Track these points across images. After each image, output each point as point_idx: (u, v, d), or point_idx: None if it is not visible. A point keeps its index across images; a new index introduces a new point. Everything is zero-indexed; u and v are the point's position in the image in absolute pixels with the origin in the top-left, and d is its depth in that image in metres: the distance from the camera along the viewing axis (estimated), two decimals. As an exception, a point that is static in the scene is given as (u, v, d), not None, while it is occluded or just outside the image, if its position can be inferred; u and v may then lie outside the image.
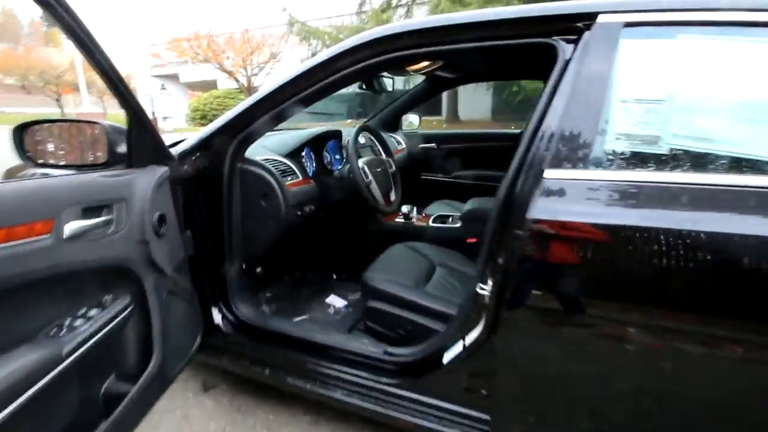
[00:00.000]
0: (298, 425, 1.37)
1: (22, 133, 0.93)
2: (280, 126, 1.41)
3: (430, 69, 1.78)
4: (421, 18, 1.04)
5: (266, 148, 1.52)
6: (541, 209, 0.84)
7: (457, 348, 1.08)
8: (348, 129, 2.08)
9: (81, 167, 0.97)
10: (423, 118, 2.73)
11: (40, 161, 0.96)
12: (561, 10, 0.94)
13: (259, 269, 1.59)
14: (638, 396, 0.87)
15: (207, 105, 14.73)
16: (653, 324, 0.80)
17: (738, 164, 0.77)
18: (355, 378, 1.21)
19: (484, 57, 1.67)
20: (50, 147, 0.96)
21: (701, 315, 0.77)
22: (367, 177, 1.61)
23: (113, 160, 0.96)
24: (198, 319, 1.23)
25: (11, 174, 1.29)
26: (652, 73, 0.86)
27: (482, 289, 1.00)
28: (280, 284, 1.83)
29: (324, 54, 1.10)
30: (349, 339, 1.32)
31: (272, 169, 1.35)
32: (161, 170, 1.03)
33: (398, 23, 1.05)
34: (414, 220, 1.90)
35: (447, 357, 1.10)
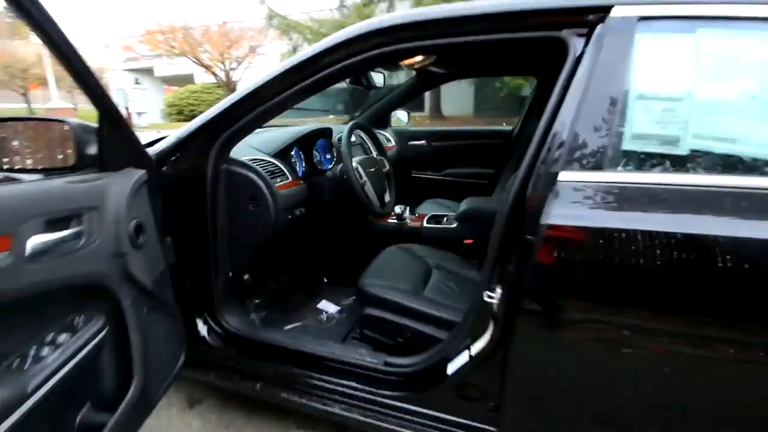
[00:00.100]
0: (291, 442, 1.30)
1: (-25, 133, 0.82)
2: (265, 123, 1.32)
3: (423, 64, 1.71)
4: (422, 9, 0.96)
5: (253, 148, 1.43)
6: (557, 214, 0.78)
7: (462, 358, 1.03)
8: (335, 126, 2.01)
9: (45, 171, 0.86)
10: (406, 114, 2.65)
11: (-3, 165, 0.85)
12: (571, 2, 0.89)
13: (246, 276, 1.49)
14: (665, 413, 0.83)
15: (183, 100, 14.30)
16: (685, 335, 0.76)
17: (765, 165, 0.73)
18: (354, 391, 1.14)
19: (484, 51, 1.62)
20: (8, 149, 0.85)
21: (735, 325, 0.73)
22: (361, 178, 1.53)
23: (82, 163, 0.86)
24: (182, 334, 1.13)
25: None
26: (670, 70, 0.81)
27: (490, 297, 0.95)
28: (268, 290, 1.74)
29: (318, 46, 1.02)
30: (346, 349, 1.24)
31: (260, 170, 1.26)
32: (138, 173, 0.93)
33: (398, 14, 0.97)
34: (407, 220, 1.84)
35: (452, 367, 1.04)
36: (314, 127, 1.63)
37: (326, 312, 1.66)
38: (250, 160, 1.32)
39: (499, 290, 0.93)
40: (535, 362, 0.90)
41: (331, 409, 1.14)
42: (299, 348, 1.24)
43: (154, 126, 13.69)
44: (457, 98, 11.46)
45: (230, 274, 1.32)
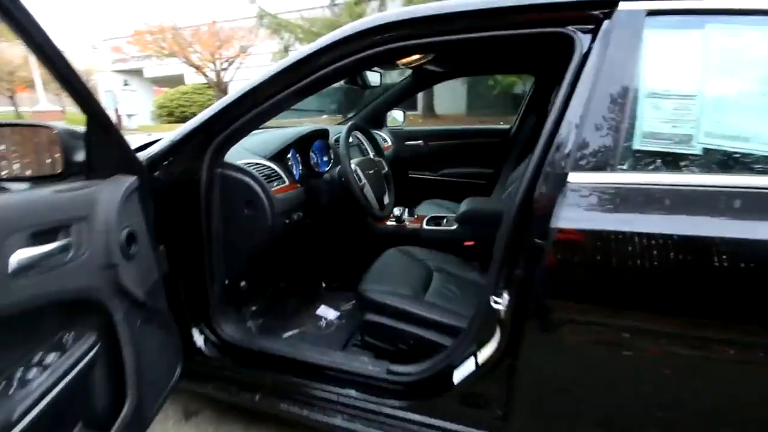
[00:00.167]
0: (292, 453, 1.26)
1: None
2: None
3: (419, 62, 1.68)
4: (422, 6, 0.93)
5: (248, 151, 1.39)
6: (567, 217, 0.75)
7: (468, 366, 1.00)
8: (330, 126, 1.97)
9: (30, 180, 0.82)
10: (399, 113, 2.62)
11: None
12: None
13: (243, 283, 1.45)
14: (686, 420, 0.81)
15: (174, 101, 14.13)
16: (713, 341, 0.73)
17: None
18: (357, 401, 1.11)
19: (484, 49, 1.58)
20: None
21: (761, 334, 0.70)
22: (360, 180, 1.49)
23: (70, 171, 0.82)
24: (177, 346, 1.09)
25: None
26: (680, 66, 0.79)
27: (496, 302, 0.92)
28: (265, 296, 1.70)
29: (314, 45, 0.98)
30: (347, 357, 1.21)
31: (256, 174, 1.22)
32: (128, 180, 0.89)
33: (398, 10, 0.94)
34: (406, 222, 1.81)
35: (458, 375, 1.01)
36: (311, 129, 1.59)
37: (325, 318, 1.62)
38: (246, 163, 1.28)
39: (506, 296, 0.90)
40: (545, 370, 0.88)
41: (333, 420, 1.11)
42: (298, 357, 1.20)
43: (144, 128, 13.51)
44: (449, 97, 11.45)
45: (226, 281, 1.28)
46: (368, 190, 1.52)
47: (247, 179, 1.19)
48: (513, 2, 0.89)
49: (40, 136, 0.84)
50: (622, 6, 0.81)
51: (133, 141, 1.21)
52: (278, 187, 1.32)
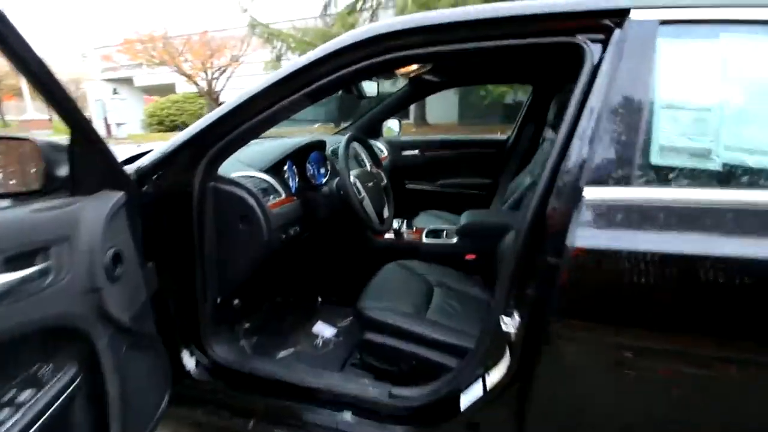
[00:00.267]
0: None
1: None
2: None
3: (418, 72, 1.65)
4: (426, 14, 0.90)
5: (242, 163, 1.33)
6: (584, 235, 0.72)
7: (476, 390, 0.95)
8: (325, 137, 1.93)
9: (7, 197, 0.75)
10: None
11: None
12: (586, 5, 0.83)
13: (236, 301, 1.39)
14: None
15: (164, 110, 13.99)
16: (745, 365, 0.69)
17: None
18: (357, 427, 1.05)
19: (487, 58, 1.56)
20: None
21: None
22: (360, 193, 1.45)
23: (51, 187, 0.76)
24: (166, 372, 1.02)
25: None
26: (696, 77, 0.77)
27: (506, 323, 0.87)
28: (259, 312, 1.64)
29: (315, 54, 0.94)
30: (346, 379, 1.15)
31: (251, 187, 1.17)
32: (115, 196, 0.83)
33: (402, 18, 0.90)
34: (405, 235, 1.76)
35: (465, 400, 0.96)
36: (308, 140, 1.54)
37: (322, 336, 1.56)
38: (240, 176, 1.23)
39: (516, 316, 0.86)
40: (560, 396, 0.83)
41: None
42: (294, 380, 1.14)
43: (134, 137, 13.34)
44: (441, 106, 11.51)
45: (218, 300, 1.22)
46: (368, 204, 1.47)
47: (242, 193, 1.14)
48: (521, 11, 0.87)
49: (18, 150, 0.78)
50: (633, 15, 0.79)
51: (122, 152, 1.15)
52: (274, 201, 1.27)
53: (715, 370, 0.70)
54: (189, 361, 1.18)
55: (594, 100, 0.78)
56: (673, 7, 0.78)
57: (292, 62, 0.97)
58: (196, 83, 13.56)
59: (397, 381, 1.13)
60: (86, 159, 0.79)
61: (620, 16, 0.80)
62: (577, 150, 0.77)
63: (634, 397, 0.78)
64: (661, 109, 0.75)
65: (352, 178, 1.42)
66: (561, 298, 0.74)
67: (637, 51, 0.77)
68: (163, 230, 1.06)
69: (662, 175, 0.73)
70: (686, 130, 0.74)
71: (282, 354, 1.46)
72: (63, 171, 0.78)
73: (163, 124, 13.80)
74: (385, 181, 1.70)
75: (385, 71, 1.06)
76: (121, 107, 14.61)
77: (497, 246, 1.44)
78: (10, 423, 0.58)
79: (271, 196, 1.28)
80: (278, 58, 9.65)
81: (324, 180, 1.60)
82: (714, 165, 0.72)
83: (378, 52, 0.92)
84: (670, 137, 0.74)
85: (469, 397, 0.96)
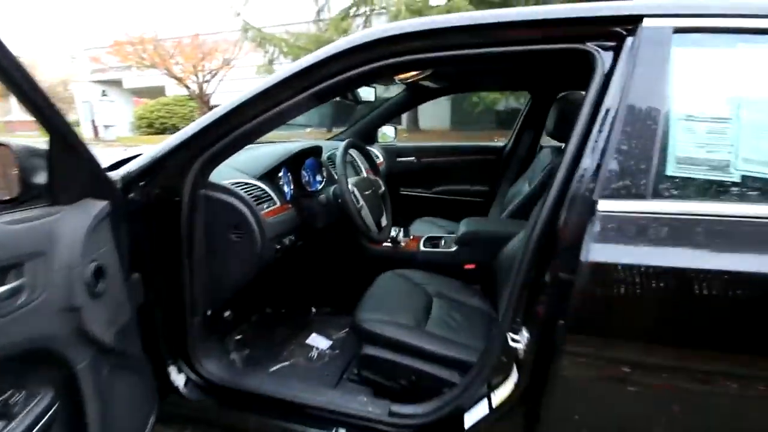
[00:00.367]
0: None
1: None
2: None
3: (416, 78, 1.62)
4: (434, 17, 0.86)
5: (234, 170, 1.28)
6: (600, 250, 0.68)
7: (481, 408, 0.91)
8: (320, 142, 1.88)
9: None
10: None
11: None
12: (598, 12, 0.80)
13: (227, 313, 1.33)
14: None
15: (154, 113, 13.80)
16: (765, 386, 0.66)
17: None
18: None
19: (492, 64, 1.53)
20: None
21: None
22: (358, 202, 1.40)
23: (27, 196, 0.70)
24: (151, 391, 0.96)
25: None
26: (712, 86, 0.74)
27: (514, 340, 0.83)
28: (250, 324, 1.58)
29: (314, 56, 0.90)
30: (344, 396, 1.10)
31: (244, 195, 1.12)
32: (99, 205, 0.77)
33: (406, 22, 0.87)
34: (402, 243, 1.72)
35: (469, 419, 0.92)
36: (303, 145, 1.50)
37: (316, 348, 1.50)
38: (233, 183, 1.18)
39: (525, 333, 0.82)
40: (572, 415, 0.79)
41: None
42: (289, 397, 1.09)
43: (123, 139, 13.14)
44: (434, 112, 11.55)
45: (208, 312, 1.16)
46: (366, 213, 1.43)
47: (234, 201, 1.09)
48: (530, 17, 0.83)
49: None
50: (646, 23, 0.76)
51: (108, 157, 1.10)
52: (269, 209, 1.22)
53: (746, 390, 0.67)
54: (177, 378, 1.11)
55: (606, 110, 0.75)
56: (687, 15, 0.75)
57: (292, 65, 0.93)
58: (186, 86, 13.41)
59: (396, 397, 1.08)
60: (66, 165, 0.73)
61: (633, 23, 0.77)
62: (590, 161, 0.74)
63: (651, 416, 0.74)
64: (677, 119, 0.72)
65: (350, 186, 1.38)
66: (575, 314, 0.71)
67: (651, 59, 0.74)
68: (150, 240, 1.00)
69: (679, 188, 0.70)
70: (703, 140, 0.71)
71: (275, 367, 1.40)
72: (41, 178, 0.72)
73: (152, 126, 13.61)
74: (383, 188, 1.65)
75: (388, 76, 1.03)
76: (110, 109, 14.39)
77: (497, 255, 1.41)
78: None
79: (266, 205, 1.22)
80: (271, 62, 9.60)
81: (320, 187, 1.55)
82: (733, 177, 0.69)
83: (382, 56, 0.88)
84: (686, 148, 0.71)
85: (473, 415, 0.92)
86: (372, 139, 2.41)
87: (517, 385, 0.84)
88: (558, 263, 0.73)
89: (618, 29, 0.78)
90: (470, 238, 1.60)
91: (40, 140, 0.74)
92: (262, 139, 1.19)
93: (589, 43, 0.81)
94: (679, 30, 0.75)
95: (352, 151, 1.78)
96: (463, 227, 1.63)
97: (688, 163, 0.71)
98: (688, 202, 0.69)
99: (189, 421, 1.14)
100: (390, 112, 2.31)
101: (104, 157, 1.13)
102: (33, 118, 0.68)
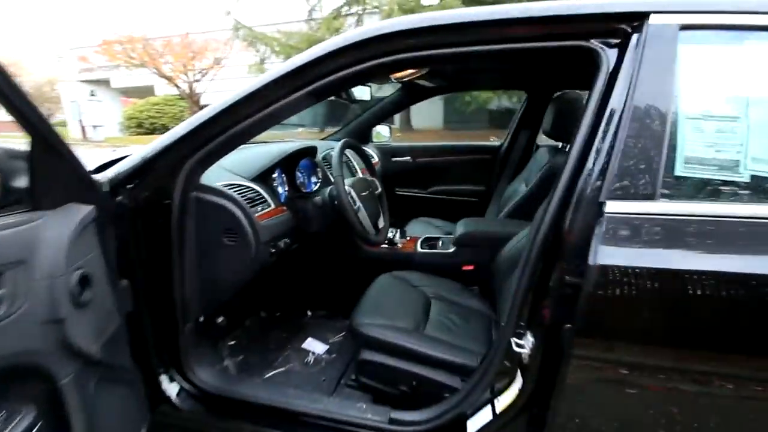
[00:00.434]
0: None
1: None
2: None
3: (413, 76, 1.59)
4: (434, 13, 0.83)
5: (227, 171, 1.24)
6: (609, 253, 0.66)
7: (485, 414, 0.89)
8: (315, 142, 1.84)
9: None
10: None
11: None
12: (602, 8, 0.78)
13: (220, 319, 1.29)
14: None
15: (144, 112, 13.63)
16: None
17: None
18: None
19: (493, 62, 1.50)
20: None
21: None
22: (355, 203, 1.37)
23: (7, 201, 0.66)
24: (142, 404, 0.92)
25: None
26: (720, 85, 0.72)
27: (519, 345, 0.81)
28: (243, 329, 1.54)
29: (309, 54, 0.87)
30: (342, 404, 1.07)
31: (237, 198, 1.08)
32: (84, 210, 0.74)
33: (405, 18, 0.84)
34: (399, 245, 1.69)
35: (472, 426, 0.90)
36: (298, 146, 1.46)
37: (313, 353, 1.47)
38: (226, 185, 1.14)
39: (530, 337, 0.80)
40: (580, 421, 0.77)
41: None
42: (285, 405, 1.05)
43: (111, 140, 12.96)
44: (426, 111, 11.57)
45: (201, 319, 1.12)
46: (363, 214, 1.40)
47: (227, 204, 1.05)
48: (532, 13, 0.81)
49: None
50: (653, 20, 0.74)
51: (96, 158, 1.05)
52: (263, 211, 1.18)
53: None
54: (169, 387, 1.07)
55: (612, 109, 0.73)
56: (694, 12, 0.73)
57: (286, 63, 0.89)
58: (176, 85, 13.26)
59: (396, 404, 1.06)
60: (49, 168, 0.69)
61: (638, 20, 0.75)
62: (596, 161, 0.71)
63: (660, 419, 0.72)
64: (685, 118, 0.70)
65: (346, 188, 1.35)
66: (584, 319, 0.68)
67: (658, 57, 0.72)
68: (139, 245, 0.96)
69: (689, 189, 0.68)
70: (712, 140, 0.69)
71: (270, 374, 1.37)
72: (22, 182, 0.68)
73: (142, 126, 13.45)
74: (380, 189, 1.63)
75: (385, 74, 1.00)
76: (98, 109, 14.18)
77: (496, 257, 1.39)
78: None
79: (260, 207, 1.19)
80: (262, 62, 9.53)
81: (315, 188, 1.51)
82: (743, 178, 0.67)
83: (380, 54, 0.85)
84: (695, 148, 0.69)
85: (476, 422, 0.90)
86: (366, 138, 2.38)
87: (521, 390, 0.82)
88: (564, 266, 0.71)
89: (623, 26, 0.76)
90: (468, 238, 1.58)
91: (20, 142, 0.70)
92: (255, 139, 1.16)
93: (593, 41, 0.79)
94: (686, 27, 0.73)
95: (348, 151, 1.75)
96: (460, 228, 1.61)
97: (697, 163, 0.69)
98: (699, 203, 0.68)
99: (180, 431, 1.10)
100: (384, 112, 2.28)
101: (92, 158, 1.09)
102: (12, 119, 0.64)
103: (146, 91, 14.59)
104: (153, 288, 0.99)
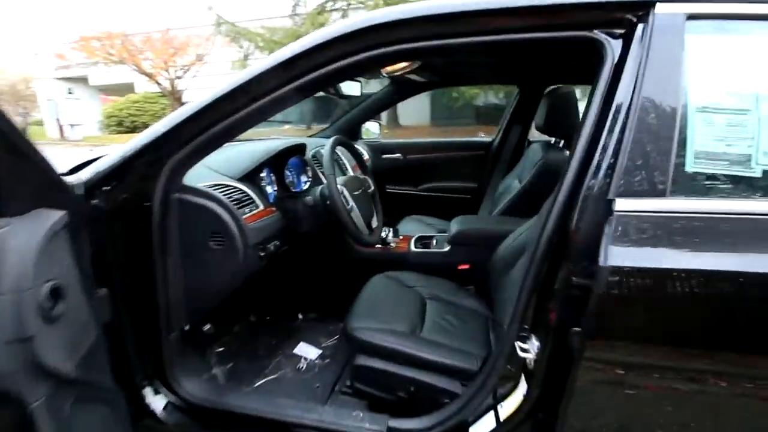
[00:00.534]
0: None
1: None
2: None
3: (404, 71, 1.55)
4: (430, 2, 0.79)
5: (212, 171, 1.17)
6: (622, 254, 0.63)
7: (488, 421, 0.86)
8: (304, 139, 1.78)
9: None
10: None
11: None
12: None
13: (207, 327, 1.23)
14: None
15: (124, 110, 13.28)
16: None
17: None
18: None
19: (490, 54, 1.46)
20: None
21: None
22: (347, 203, 1.32)
23: (-35, 207, 0.59)
24: (123, 421, 0.86)
25: None
26: (729, 76, 0.70)
27: (523, 349, 0.78)
28: (232, 334, 1.48)
29: (298, 46, 0.82)
30: (337, 412, 1.02)
31: (223, 199, 1.02)
32: (54, 215, 0.67)
33: (399, 8, 0.79)
34: (392, 244, 1.64)
35: (476, 433, 0.86)
36: (287, 143, 1.40)
37: (305, 358, 1.42)
38: (211, 186, 1.08)
39: (535, 341, 0.76)
40: (589, 428, 0.74)
41: None
42: (277, 416, 1.00)
43: (90, 139, 12.60)
44: (413, 108, 11.52)
45: (186, 327, 1.06)
46: (356, 214, 1.35)
47: (213, 205, 0.99)
48: (535, 2, 0.77)
49: None
50: (659, 9, 0.71)
51: (73, 158, 0.98)
52: (251, 213, 1.12)
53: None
54: (153, 400, 1.02)
55: (619, 103, 0.70)
56: (700, 0, 0.71)
57: (273, 56, 0.84)
58: (157, 82, 12.92)
59: (394, 411, 1.02)
60: (14, 171, 0.63)
61: (644, 9, 0.72)
62: (604, 157, 0.68)
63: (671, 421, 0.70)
64: (694, 111, 0.68)
65: (339, 187, 1.30)
66: (595, 322, 0.66)
67: (664, 48, 0.70)
68: (117, 251, 0.90)
69: (700, 185, 0.66)
70: (722, 134, 0.67)
71: (261, 382, 1.31)
72: None
73: (122, 125, 13.10)
74: (372, 187, 1.58)
75: (380, 66, 0.95)
76: (76, 107, 13.77)
77: (492, 255, 1.36)
78: None
79: (248, 208, 1.13)
80: (246, 58, 9.37)
81: (305, 187, 1.46)
82: (755, 173, 0.65)
83: (374, 45, 0.80)
84: (705, 142, 0.67)
85: (479, 429, 0.87)
86: (355, 135, 2.33)
87: (526, 396, 0.79)
88: (572, 267, 0.68)
89: (628, 16, 0.73)
90: (463, 237, 1.54)
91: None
92: (241, 136, 1.10)
93: (596, 31, 0.76)
94: (692, 16, 0.70)
95: (339, 149, 1.70)
96: (455, 226, 1.57)
97: (707, 158, 0.66)
98: (712, 200, 0.65)
99: (166, 447, 1.04)
100: (374, 108, 2.23)
101: (69, 158, 1.01)
102: None
103: (126, 89, 14.20)
104: (134, 296, 0.93)
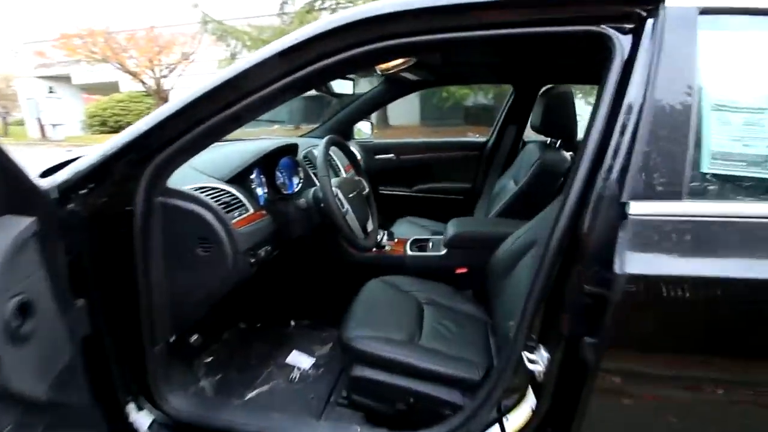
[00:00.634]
0: None
1: None
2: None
3: (400, 68, 1.50)
4: None
5: (198, 172, 1.11)
6: (640, 260, 0.59)
7: (493, 435, 0.82)
8: (292, 139, 1.73)
9: None
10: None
11: None
12: None
13: (194, 337, 1.17)
14: None
15: (107, 110, 13.00)
16: None
17: None
18: None
19: (493, 50, 1.42)
20: None
21: None
22: (342, 206, 1.27)
23: None
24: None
25: None
26: (744, 73, 0.67)
27: (531, 360, 0.74)
28: (221, 343, 1.41)
29: (292, 38, 0.77)
30: (334, 426, 0.98)
31: (211, 202, 0.96)
32: (22, 223, 0.61)
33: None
34: (387, 247, 1.60)
35: (480, 450, 0.82)
36: (277, 143, 1.34)
37: (298, 368, 1.36)
38: (197, 189, 1.02)
39: (544, 352, 0.73)
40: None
41: None
42: (269, 431, 0.95)
43: (72, 139, 12.30)
44: (403, 108, 11.50)
45: (172, 339, 1.00)
46: (351, 217, 1.30)
47: (199, 209, 0.93)
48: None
49: None
50: (669, 2, 0.68)
51: (51, 158, 0.92)
52: (241, 217, 1.07)
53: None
54: (137, 418, 0.95)
55: (630, 101, 0.66)
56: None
57: (264, 49, 0.79)
58: (142, 81, 12.66)
59: (393, 423, 0.98)
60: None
61: (653, 3, 0.69)
62: (616, 159, 0.65)
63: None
64: (709, 109, 0.65)
65: (333, 189, 1.24)
66: (610, 333, 0.62)
67: (676, 44, 0.66)
68: (96, 259, 0.83)
69: (717, 186, 0.63)
70: (738, 133, 0.64)
71: (252, 394, 1.25)
72: None
73: (106, 124, 12.82)
74: (367, 189, 1.53)
75: (375, 62, 0.91)
76: (57, 107, 13.44)
77: (489, 258, 1.33)
78: None
79: (237, 212, 1.07)
80: (233, 56, 9.23)
81: (297, 189, 1.40)
82: (769, 174, 0.62)
83: (370, 39, 0.75)
84: (720, 142, 0.64)
85: (484, 444, 0.82)
86: (347, 135, 2.28)
87: (535, 410, 0.75)
88: (585, 275, 0.64)
89: (637, 10, 0.70)
90: (460, 240, 1.51)
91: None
92: (229, 136, 1.05)
93: (604, 26, 0.72)
94: (705, 11, 0.67)
95: (332, 150, 1.65)
96: (451, 228, 1.53)
97: (724, 158, 0.64)
98: (731, 203, 0.62)
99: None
100: (366, 107, 2.18)
101: (49, 158, 0.95)
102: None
103: (110, 88, 13.90)
104: (115, 307, 0.87)
